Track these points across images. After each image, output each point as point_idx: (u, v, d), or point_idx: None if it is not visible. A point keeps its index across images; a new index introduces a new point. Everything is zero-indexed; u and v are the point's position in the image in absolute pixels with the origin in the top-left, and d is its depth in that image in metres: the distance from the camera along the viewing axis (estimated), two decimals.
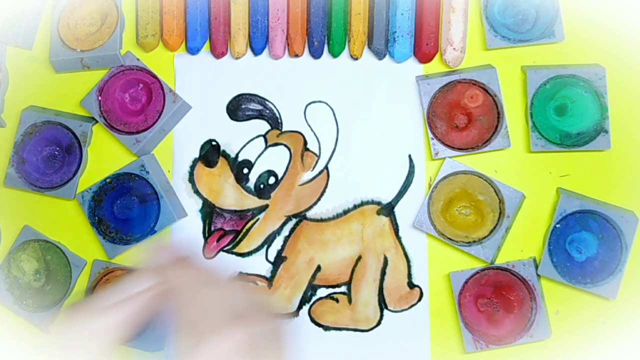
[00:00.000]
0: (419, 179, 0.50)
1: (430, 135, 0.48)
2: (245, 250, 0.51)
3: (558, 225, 0.47)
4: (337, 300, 0.50)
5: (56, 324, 0.35)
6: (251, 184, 0.50)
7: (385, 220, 0.50)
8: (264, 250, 0.50)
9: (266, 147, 0.50)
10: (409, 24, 0.48)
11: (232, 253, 0.51)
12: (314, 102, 0.50)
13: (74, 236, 0.52)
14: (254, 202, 0.50)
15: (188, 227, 0.51)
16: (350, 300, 0.50)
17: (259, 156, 0.50)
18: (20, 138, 0.51)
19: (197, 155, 0.51)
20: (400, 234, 0.50)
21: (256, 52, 0.50)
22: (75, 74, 0.51)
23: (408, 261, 0.50)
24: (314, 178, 0.50)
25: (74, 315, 0.34)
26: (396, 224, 0.50)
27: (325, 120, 0.50)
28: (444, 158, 0.48)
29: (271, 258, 0.50)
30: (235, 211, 0.50)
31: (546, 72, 0.47)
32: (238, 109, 0.51)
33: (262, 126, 0.50)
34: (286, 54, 0.50)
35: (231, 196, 0.50)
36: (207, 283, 0.35)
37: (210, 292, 0.34)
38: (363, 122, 0.50)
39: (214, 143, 0.51)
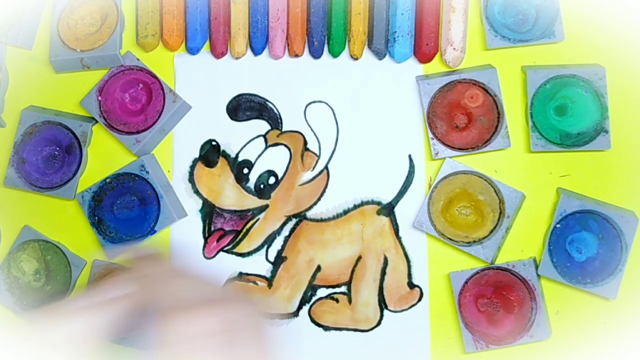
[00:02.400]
0: (419, 179, 0.50)
1: (430, 135, 0.48)
2: (245, 250, 0.50)
3: (558, 225, 0.47)
4: (337, 301, 0.50)
5: (34, 323, 0.33)
6: (251, 184, 0.50)
7: (385, 220, 0.50)
8: (264, 250, 0.50)
9: (266, 147, 0.50)
10: (409, 24, 0.48)
11: (232, 253, 0.51)
12: (314, 102, 0.50)
13: (74, 236, 0.52)
14: (254, 202, 0.50)
15: (188, 227, 0.51)
16: (350, 300, 0.50)
17: (259, 156, 0.50)
18: (20, 138, 0.51)
19: (197, 155, 0.51)
20: (400, 234, 0.50)
21: (256, 52, 0.50)
22: (75, 74, 0.51)
23: (408, 261, 0.50)
24: (314, 178, 0.50)
25: (52, 314, 0.33)
26: (396, 224, 0.50)
27: (325, 120, 0.50)
28: (444, 158, 0.48)
29: (271, 258, 0.50)
30: (235, 211, 0.50)
31: (546, 72, 0.47)
32: (238, 109, 0.51)
33: (262, 126, 0.50)
34: (286, 54, 0.50)
35: (231, 196, 0.50)
36: (179, 274, 0.34)
37: (182, 281, 0.33)
38: (363, 122, 0.50)
39: (214, 143, 0.51)
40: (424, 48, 0.48)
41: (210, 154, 0.51)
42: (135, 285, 0.34)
